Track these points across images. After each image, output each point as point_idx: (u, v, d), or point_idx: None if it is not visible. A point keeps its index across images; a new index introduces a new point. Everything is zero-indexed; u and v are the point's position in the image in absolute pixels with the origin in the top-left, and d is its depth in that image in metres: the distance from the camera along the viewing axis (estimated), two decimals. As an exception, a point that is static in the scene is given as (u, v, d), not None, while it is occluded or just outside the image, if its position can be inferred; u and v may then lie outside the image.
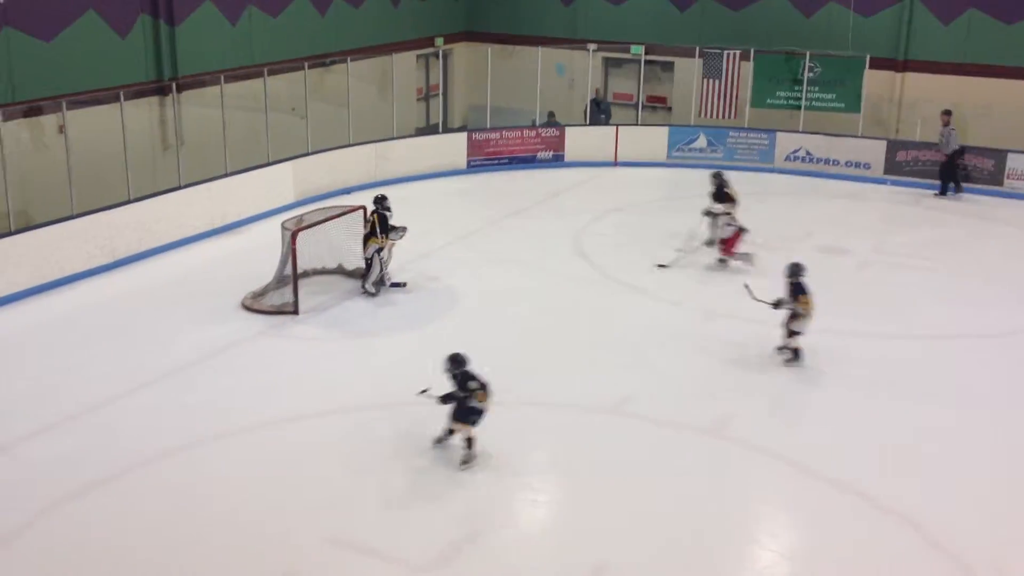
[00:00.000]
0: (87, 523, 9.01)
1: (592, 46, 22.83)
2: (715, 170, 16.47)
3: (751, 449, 10.44)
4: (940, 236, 17.83)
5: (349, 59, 19.82)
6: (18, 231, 14.03)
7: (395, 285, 14.40)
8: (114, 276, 14.91)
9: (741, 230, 15.40)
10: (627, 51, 23.13)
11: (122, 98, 15.37)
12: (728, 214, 15.47)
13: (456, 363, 9.88)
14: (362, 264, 14.48)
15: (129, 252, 15.33)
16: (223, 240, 16.63)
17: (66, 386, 11.41)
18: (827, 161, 21.49)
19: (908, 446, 10.57)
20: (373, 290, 14.13)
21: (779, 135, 21.79)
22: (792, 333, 12.24)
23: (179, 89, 17.46)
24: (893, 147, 21.02)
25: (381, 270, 14.20)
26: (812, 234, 17.50)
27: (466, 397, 9.83)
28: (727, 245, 15.48)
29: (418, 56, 24.26)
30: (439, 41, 24.02)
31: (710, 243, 15.65)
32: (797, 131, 21.74)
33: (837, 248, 16.81)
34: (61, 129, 14.85)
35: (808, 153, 21.62)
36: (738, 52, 21.76)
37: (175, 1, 17.97)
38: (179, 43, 18.13)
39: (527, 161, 21.64)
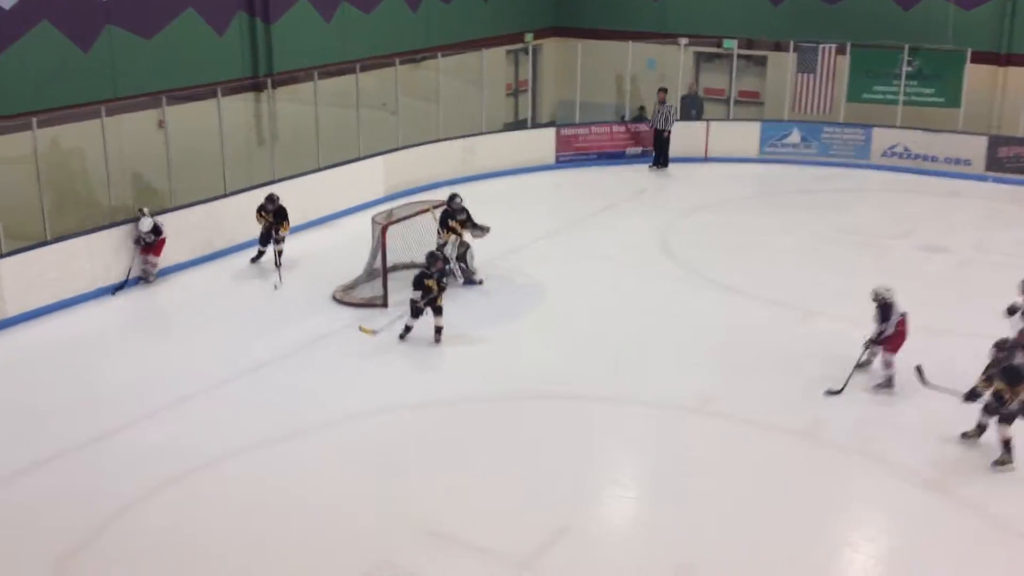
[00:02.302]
0: (180, 511, 9.21)
1: (683, 40, 22.58)
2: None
3: (843, 451, 10.23)
4: (1045, 235, 17.25)
5: (440, 55, 19.93)
6: (119, 223, 14.43)
7: (469, 282, 14.38)
8: (210, 267, 15.24)
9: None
10: (719, 45, 22.82)
11: (219, 94, 15.70)
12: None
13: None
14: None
15: (225, 244, 15.66)
16: (315, 233, 16.87)
17: (161, 376, 11.69)
18: (925, 157, 20.90)
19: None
20: (460, 276, 14.32)
21: (876, 130, 21.27)
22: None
23: (274, 85, 17.78)
24: (995, 143, 20.35)
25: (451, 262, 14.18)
26: (911, 232, 17.07)
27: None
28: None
29: (507, 51, 24.29)
30: (528, 36, 24.00)
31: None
32: (895, 126, 21.20)
33: (937, 246, 16.36)
34: (161, 124, 15.23)
35: (906, 149, 21.07)
36: (834, 46, 21.32)
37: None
38: (275, 40, 18.44)
39: (616, 157, 21.50)
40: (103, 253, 14.02)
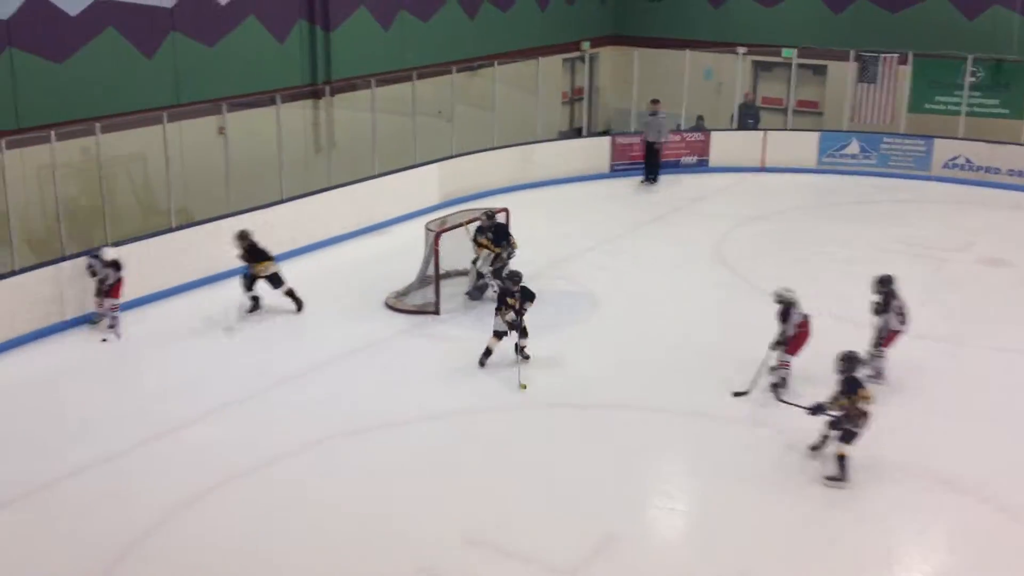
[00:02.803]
0: (222, 516, 9.32)
1: (741, 49, 22.42)
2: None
3: (898, 465, 10.06)
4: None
5: (496, 63, 20.00)
6: (179, 227, 14.67)
7: None
8: (266, 272, 15.42)
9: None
10: (778, 54, 22.61)
11: (278, 101, 15.92)
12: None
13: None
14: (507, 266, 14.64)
15: (281, 250, 15.81)
16: (369, 240, 17.02)
17: (217, 377, 11.88)
18: (988, 169, 20.52)
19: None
20: (478, 295, 14.05)
21: (937, 142, 20.93)
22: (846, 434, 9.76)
23: (332, 92, 17.97)
24: (1061, 155, 19.96)
25: (479, 278, 14.03)
26: (972, 244, 16.77)
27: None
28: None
29: (564, 60, 24.31)
30: (585, 45, 24.02)
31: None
32: (957, 138, 20.84)
33: (999, 260, 16.05)
34: (221, 131, 15.47)
35: (968, 161, 20.70)
36: (896, 55, 21.03)
37: (331, 7, 18.48)
38: (333, 48, 18.64)
39: (671, 166, 21.40)
40: (159, 257, 14.24)
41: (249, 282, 13.69)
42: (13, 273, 12.75)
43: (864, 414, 9.64)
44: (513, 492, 9.64)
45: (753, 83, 24.20)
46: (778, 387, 11.29)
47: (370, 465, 10.12)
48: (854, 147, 21.47)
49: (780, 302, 11.37)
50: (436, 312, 13.67)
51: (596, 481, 9.80)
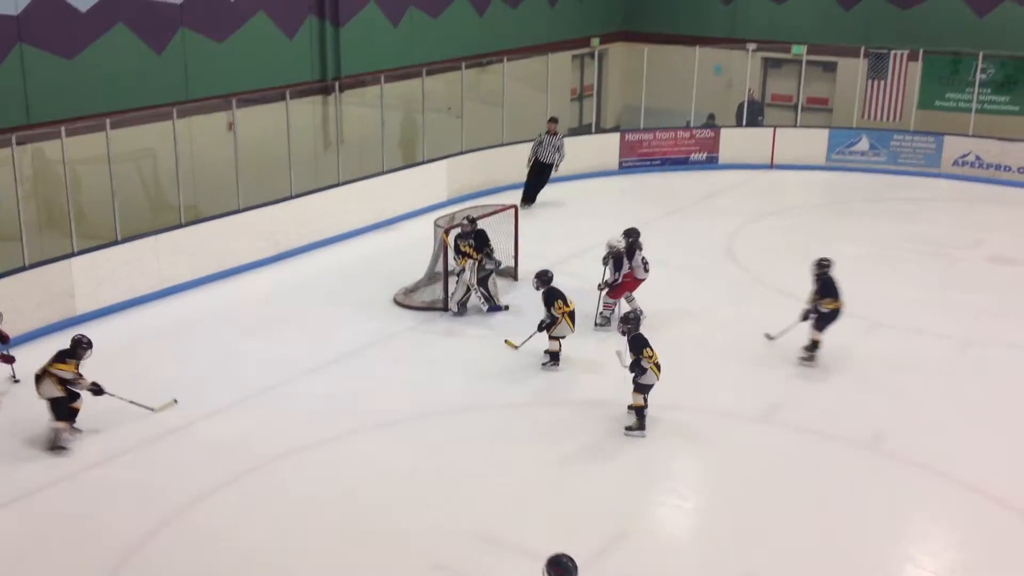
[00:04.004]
0: (236, 510, 9.34)
1: (751, 46, 22.37)
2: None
3: (907, 464, 10.05)
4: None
5: (505, 59, 20.00)
6: (188, 223, 14.69)
7: (494, 309, 13.77)
8: (275, 269, 15.46)
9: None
10: (788, 51, 22.56)
11: (288, 97, 15.92)
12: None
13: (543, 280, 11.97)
14: (511, 263, 14.59)
15: (290, 246, 15.88)
16: (378, 236, 17.03)
17: (227, 374, 11.89)
18: (998, 167, 20.45)
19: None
20: (455, 309, 13.63)
21: (947, 139, 20.87)
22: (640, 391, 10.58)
23: (341, 88, 17.97)
24: (1072, 153, 19.89)
25: (467, 291, 13.67)
26: (982, 242, 16.73)
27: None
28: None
29: (573, 56, 24.27)
30: (595, 41, 23.98)
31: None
32: (967, 135, 20.78)
33: (1008, 258, 16.01)
34: (231, 127, 15.48)
35: (978, 158, 20.64)
36: (906, 52, 20.96)
37: (341, 3, 18.47)
38: (343, 44, 18.63)
39: (680, 162, 21.37)
40: (169, 253, 14.28)
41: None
42: (22, 268, 12.78)
43: (652, 369, 10.42)
44: (523, 490, 9.63)
45: (763, 80, 24.14)
46: (601, 326, 13.04)
47: (380, 460, 10.12)
48: (864, 144, 21.41)
49: (612, 250, 13.14)
50: (445, 309, 13.67)
51: (608, 479, 9.80)
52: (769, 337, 12.73)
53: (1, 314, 11.44)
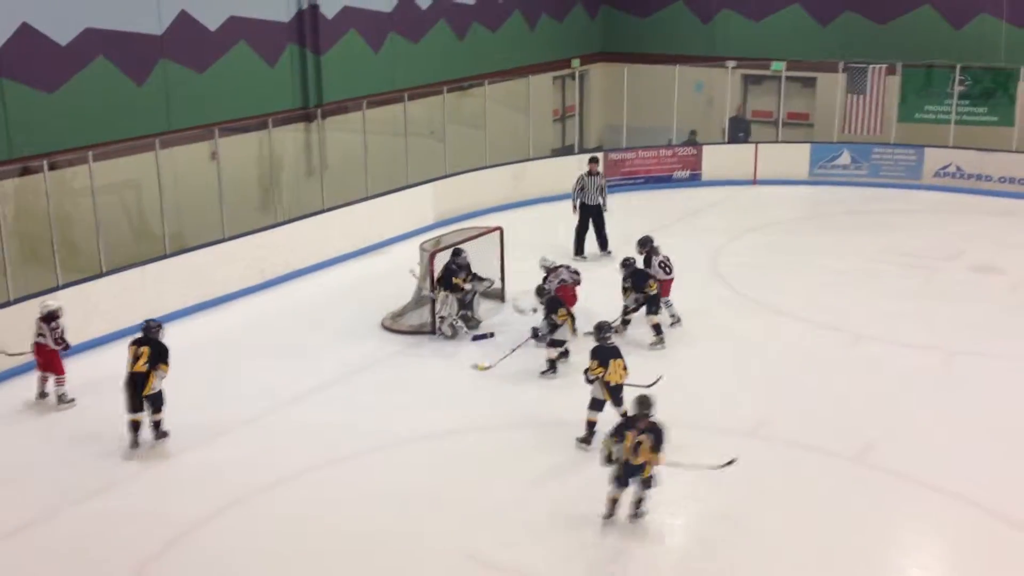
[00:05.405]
0: (229, 537, 9.33)
1: (731, 63, 22.54)
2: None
3: (895, 475, 10.07)
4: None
5: (487, 82, 20.09)
6: (173, 253, 14.69)
7: (479, 337, 13.70)
8: (262, 296, 15.46)
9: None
10: (767, 67, 22.75)
11: (270, 125, 15.96)
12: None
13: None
14: (498, 284, 14.62)
15: (276, 273, 15.88)
16: (364, 261, 17.05)
17: (217, 402, 11.87)
18: (979, 177, 20.64)
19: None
20: (449, 332, 13.60)
21: (928, 150, 21.06)
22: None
23: (323, 115, 18.04)
24: (1051, 162, 20.06)
25: (449, 317, 13.65)
26: (964, 252, 16.84)
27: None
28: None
29: (554, 77, 24.41)
30: (575, 62, 24.12)
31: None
32: (947, 146, 20.96)
33: (990, 267, 16.12)
34: (214, 155, 15.50)
35: (959, 168, 20.81)
36: (884, 66, 21.18)
37: (321, 30, 18.54)
38: (324, 71, 18.70)
39: (663, 180, 21.48)
40: (155, 283, 14.26)
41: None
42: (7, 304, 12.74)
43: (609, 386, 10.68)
44: (513, 509, 9.62)
45: (743, 96, 24.32)
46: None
47: (370, 485, 10.10)
48: (845, 158, 21.58)
49: (544, 268, 13.84)
50: (432, 332, 13.68)
51: (597, 497, 9.78)
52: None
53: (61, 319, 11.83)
